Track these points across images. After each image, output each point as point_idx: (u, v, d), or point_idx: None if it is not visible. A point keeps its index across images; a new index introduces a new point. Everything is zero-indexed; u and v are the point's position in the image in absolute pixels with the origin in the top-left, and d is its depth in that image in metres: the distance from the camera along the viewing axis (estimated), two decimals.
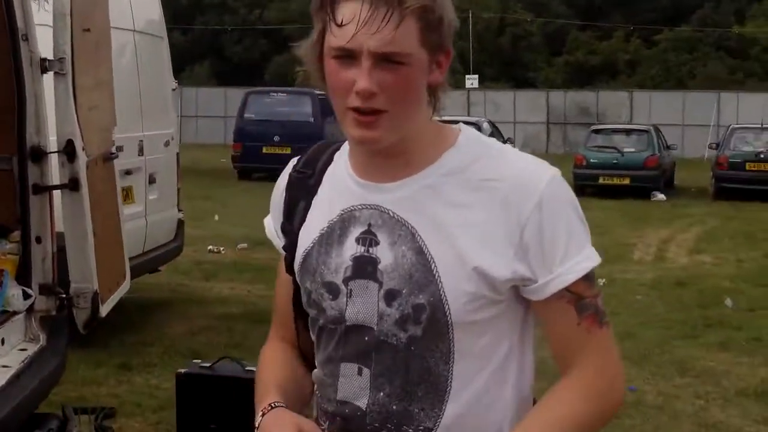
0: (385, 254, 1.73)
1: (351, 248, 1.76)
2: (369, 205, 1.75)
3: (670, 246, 14.52)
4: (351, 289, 1.75)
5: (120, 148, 5.99)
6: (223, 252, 12.41)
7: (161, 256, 8.32)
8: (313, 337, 1.85)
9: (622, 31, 60.52)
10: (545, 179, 1.71)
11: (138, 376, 6.79)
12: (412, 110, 1.69)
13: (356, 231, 1.76)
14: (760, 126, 22.93)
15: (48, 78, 4.76)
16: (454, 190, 1.72)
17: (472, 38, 52.56)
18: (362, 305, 1.74)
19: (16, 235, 4.76)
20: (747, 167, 21.13)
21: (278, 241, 1.91)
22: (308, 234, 1.82)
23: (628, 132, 23.49)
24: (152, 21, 8.66)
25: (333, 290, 1.77)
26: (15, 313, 4.52)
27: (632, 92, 41.09)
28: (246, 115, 23.21)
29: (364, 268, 1.74)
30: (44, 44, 4.72)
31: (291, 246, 1.86)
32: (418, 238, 1.71)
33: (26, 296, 4.57)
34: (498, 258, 1.69)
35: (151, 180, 8.20)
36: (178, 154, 8.98)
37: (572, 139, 37.25)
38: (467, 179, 1.72)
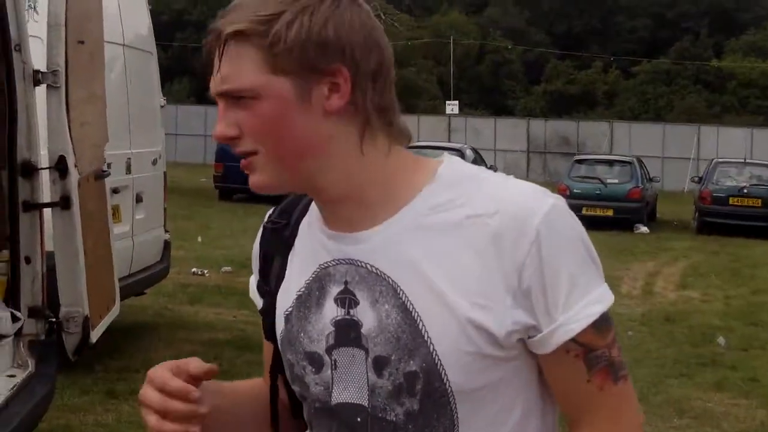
0: (366, 315, 1.47)
1: (331, 311, 1.50)
2: (343, 259, 1.50)
3: (657, 280, 14.42)
4: (335, 360, 1.50)
5: (108, 165, 5.79)
6: (207, 275, 12.16)
7: (148, 278, 8.08)
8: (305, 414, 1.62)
9: (601, 62, 60.95)
10: (542, 211, 1.43)
11: (125, 403, 6.56)
12: (296, 145, 1.44)
13: (333, 291, 1.51)
14: (743, 161, 22.95)
15: (40, 91, 4.57)
16: (436, 232, 1.46)
17: (453, 64, 52.67)
18: (349, 379, 1.50)
19: (5, 254, 4.56)
20: (730, 202, 21.10)
21: (258, 301, 1.67)
22: (286, 297, 1.58)
23: (611, 163, 23.40)
24: (141, 35, 8.47)
25: (316, 362, 1.52)
26: (3, 336, 4.32)
27: (612, 123, 41.20)
28: None
29: (347, 333, 1.49)
30: (33, 56, 4.54)
31: (268, 310, 1.62)
32: (401, 293, 1.45)
33: (15, 319, 4.35)
34: (495, 307, 1.43)
35: (139, 199, 7.99)
36: (165, 172, 8.79)
37: (552, 168, 37.30)
38: (451, 217, 1.46)
